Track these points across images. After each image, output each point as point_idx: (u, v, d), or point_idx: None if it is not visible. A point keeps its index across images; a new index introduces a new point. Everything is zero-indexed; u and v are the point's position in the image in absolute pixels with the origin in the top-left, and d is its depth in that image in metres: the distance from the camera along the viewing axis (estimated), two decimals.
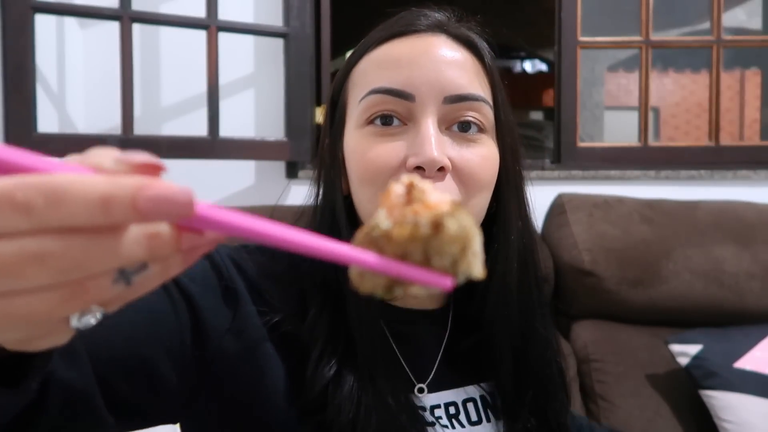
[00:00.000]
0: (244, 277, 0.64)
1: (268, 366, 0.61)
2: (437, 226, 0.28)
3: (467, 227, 0.29)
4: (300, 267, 0.65)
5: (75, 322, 0.27)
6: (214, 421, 0.60)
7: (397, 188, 0.31)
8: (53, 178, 0.23)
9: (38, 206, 0.23)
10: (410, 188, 0.31)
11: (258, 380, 0.60)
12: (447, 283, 0.29)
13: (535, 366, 0.67)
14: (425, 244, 0.29)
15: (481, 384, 0.68)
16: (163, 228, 0.26)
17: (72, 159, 0.27)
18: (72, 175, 0.24)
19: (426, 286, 0.29)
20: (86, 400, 0.50)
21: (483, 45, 0.66)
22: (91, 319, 0.27)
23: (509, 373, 0.67)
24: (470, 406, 0.66)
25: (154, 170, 0.26)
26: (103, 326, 0.52)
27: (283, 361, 0.61)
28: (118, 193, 0.23)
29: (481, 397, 0.67)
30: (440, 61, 0.61)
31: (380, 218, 0.30)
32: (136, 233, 0.25)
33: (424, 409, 0.63)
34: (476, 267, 0.30)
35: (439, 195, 0.30)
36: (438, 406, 0.65)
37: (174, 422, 0.64)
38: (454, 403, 0.66)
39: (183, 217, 0.25)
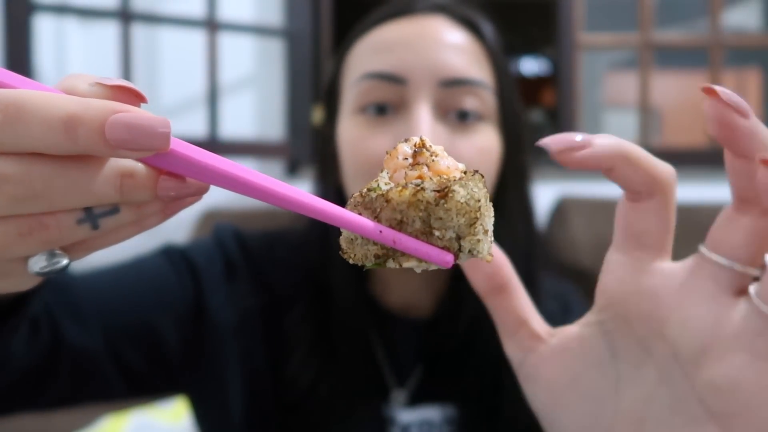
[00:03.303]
0: (246, 254, 0.65)
1: (253, 349, 0.62)
2: (443, 192, 0.25)
3: (478, 199, 0.25)
4: (301, 255, 0.65)
5: (34, 266, 0.24)
6: (215, 394, 0.61)
7: (404, 148, 0.27)
8: (14, 92, 0.21)
9: None
10: (419, 148, 0.27)
11: (243, 361, 0.61)
12: (447, 259, 0.25)
13: (519, 395, 0.62)
14: (427, 212, 0.25)
15: (464, 405, 0.62)
16: (139, 167, 0.23)
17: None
18: (36, 91, 0.21)
19: (423, 261, 0.26)
20: (96, 365, 0.52)
21: (486, 27, 0.61)
22: (54, 266, 0.24)
23: (487, 397, 0.61)
24: (447, 429, 0.62)
25: (133, 97, 0.23)
26: (111, 293, 0.55)
27: (266, 346, 0.62)
28: (84, 116, 0.21)
29: (462, 420, 0.62)
30: (436, 43, 0.57)
31: (381, 180, 0.26)
32: (107, 170, 0.22)
33: (393, 422, 0.61)
34: (483, 246, 0.25)
35: (450, 162, 0.27)
36: (411, 426, 0.61)
37: (180, 392, 0.65)
38: (430, 423, 0.62)
39: (158, 151, 0.22)
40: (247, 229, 0.68)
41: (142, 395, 0.59)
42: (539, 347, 0.32)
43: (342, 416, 0.59)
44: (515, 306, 0.33)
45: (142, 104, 0.24)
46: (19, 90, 0.21)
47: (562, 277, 0.72)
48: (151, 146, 0.21)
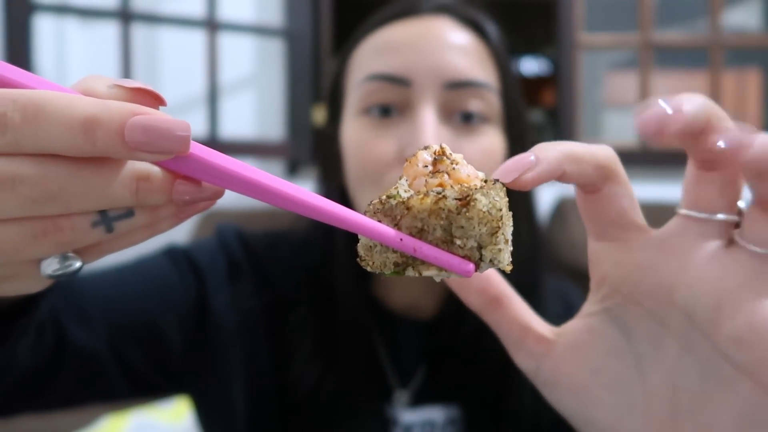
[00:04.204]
0: (249, 255, 0.65)
1: (257, 350, 0.62)
2: (465, 201, 0.24)
3: (500, 208, 0.25)
4: (305, 256, 0.65)
5: (47, 269, 0.24)
6: (219, 394, 0.61)
7: (424, 155, 0.27)
8: (34, 93, 0.21)
9: (14, 122, 0.20)
10: (439, 156, 0.26)
11: (246, 362, 0.61)
12: (468, 269, 0.25)
13: (524, 396, 0.59)
14: (448, 221, 0.25)
15: (468, 405, 0.62)
16: (155, 171, 0.23)
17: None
18: (56, 92, 0.21)
19: (443, 270, 0.25)
20: (100, 365, 0.52)
21: (491, 28, 0.61)
22: (67, 269, 0.24)
23: (490, 397, 0.61)
24: (449, 429, 0.62)
25: (152, 99, 0.23)
26: (115, 294, 0.55)
27: (269, 347, 0.62)
28: (104, 117, 0.20)
29: (465, 420, 0.62)
30: (441, 45, 0.56)
31: (400, 187, 0.26)
32: (123, 173, 0.22)
33: (396, 423, 0.61)
34: (504, 255, 0.25)
35: (471, 170, 0.26)
36: (413, 426, 0.61)
37: (183, 392, 0.65)
38: (432, 423, 0.62)
39: (177, 154, 0.21)
40: (250, 229, 0.68)
41: (145, 395, 0.59)
42: (550, 350, 0.32)
43: (345, 417, 0.59)
44: (514, 315, 0.33)
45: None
46: (38, 90, 0.21)
47: (562, 276, 0.72)
48: (169, 149, 0.21)
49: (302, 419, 0.60)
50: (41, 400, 0.49)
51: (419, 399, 0.63)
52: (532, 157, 0.26)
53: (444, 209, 0.24)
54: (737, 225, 0.27)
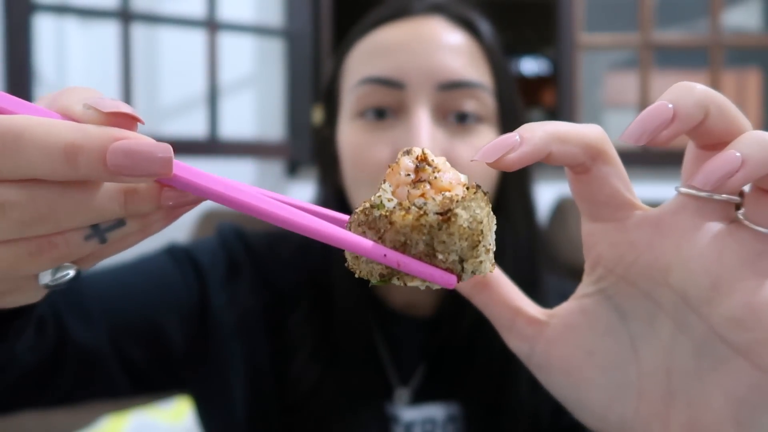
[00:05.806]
0: (249, 254, 0.65)
1: (257, 348, 0.62)
2: (446, 216, 0.25)
3: (481, 220, 0.25)
4: (305, 255, 0.65)
5: (45, 280, 0.24)
6: (219, 392, 0.62)
7: (407, 162, 0.27)
8: (11, 120, 0.21)
9: None
10: (421, 163, 0.27)
11: (247, 360, 0.61)
12: (450, 281, 0.26)
13: (522, 392, 0.60)
14: (430, 235, 0.25)
15: (468, 402, 0.62)
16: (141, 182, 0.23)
17: (43, 99, 0.24)
18: (34, 118, 0.21)
19: (426, 282, 0.26)
20: (101, 363, 0.53)
21: (484, 26, 0.61)
22: (64, 278, 0.24)
23: (490, 395, 0.61)
24: (450, 427, 0.62)
25: (130, 120, 0.23)
26: (116, 291, 0.55)
27: (270, 345, 0.62)
28: (84, 144, 0.21)
29: (465, 417, 0.62)
30: (433, 46, 0.56)
31: (383, 195, 0.26)
32: (110, 188, 0.23)
33: (397, 421, 0.61)
34: (485, 265, 0.26)
35: (453, 175, 0.26)
36: (414, 424, 0.61)
37: (184, 390, 0.66)
38: (433, 421, 0.62)
39: (159, 176, 0.22)
40: (250, 228, 0.68)
41: (146, 393, 0.60)
42: (542, 332, 0.32)
43: (345, 415, 0.59)
44: (504, 297, 0.33)
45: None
46: (16, 117, 0.21)
47: (564, 276, 0.72)
48: (152, 172, 0.21)
49: (303, 417, 0.60)
50: (43, 397, 0.50)
51: (420, 396, 0.63)
52: (517, 137, 0.26)
53: (425, 225, 0.25)
54: (737, 206, 0.27)
